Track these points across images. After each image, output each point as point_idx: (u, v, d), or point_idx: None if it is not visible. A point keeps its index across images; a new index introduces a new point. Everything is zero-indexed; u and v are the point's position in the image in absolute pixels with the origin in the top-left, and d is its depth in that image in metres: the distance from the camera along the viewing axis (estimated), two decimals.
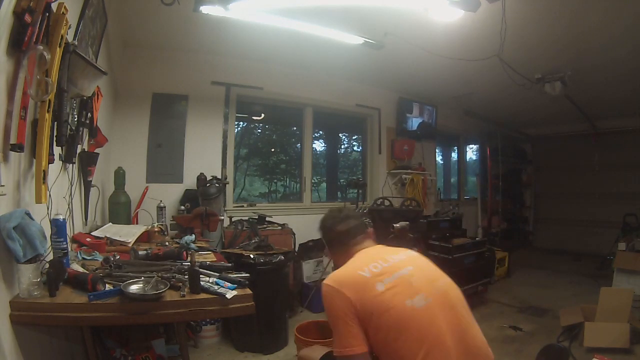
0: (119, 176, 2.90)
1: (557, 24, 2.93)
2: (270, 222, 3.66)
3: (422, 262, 1.21)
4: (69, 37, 1.46)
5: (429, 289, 1.10)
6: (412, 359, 1.00)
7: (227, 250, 2.89)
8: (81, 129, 1.93)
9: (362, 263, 1.16)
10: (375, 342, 1.05)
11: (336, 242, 1.33)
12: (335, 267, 1.32)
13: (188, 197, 3.41)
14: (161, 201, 2.95)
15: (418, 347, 1.01)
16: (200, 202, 3.22)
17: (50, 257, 1.36)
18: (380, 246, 1.28)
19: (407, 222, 2.02)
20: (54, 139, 1.38)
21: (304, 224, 3.99)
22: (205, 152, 3.74)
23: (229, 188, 3.85)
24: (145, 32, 3.21)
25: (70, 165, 1.81)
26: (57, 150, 1.49)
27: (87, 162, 2.11)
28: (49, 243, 1.33)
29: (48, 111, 1.26)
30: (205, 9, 2.52)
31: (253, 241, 3.06)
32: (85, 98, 1.86)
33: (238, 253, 2.76)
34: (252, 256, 2.68)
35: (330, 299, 1.09)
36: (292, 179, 4.80)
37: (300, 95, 4.35)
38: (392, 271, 1.11)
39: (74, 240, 1.87)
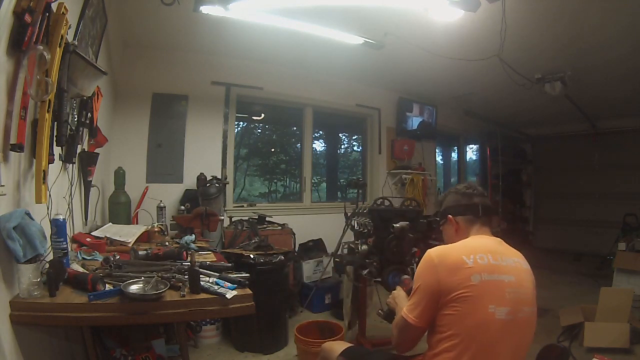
0: (119, 176, 2.90)
1: (557, 23, 2.93)
2: (270, 222, 3.66)
3: (526, 279, 1.14)
4: (69, 37, 1.46)
5: (515, 309, 1.06)
6: (456, 356, 1.04)
7: (227, 251, 2.88)
8: (81, 129, 1.92)
9: (472, 249, 1.13)
10: (438, 319, 1.10)
11: (462, 213, 1.29)
12: (445, 239, 1.34)
13: (188, 197, 3.41)
14: (161, 201, 2.95)
15: (468, 350, 1.03)
16: (200, 202, 3.22)
17: (50, 257, 1.36)
18: (498, 240, 1.23)
19: (407, 222, 2.01)
20: (54, 139, 1.38)
21: (304, 224, 4.00)
22: (205, 152, 3.74)
23: (229, 188, 3.85)
24: (145, 32, 3.21)
25: (70, 165, 1.81)
26: (57, 150, 1.49)
27: (87, 162, 2.11)
28: (49, 243, 1.33)
29: (48, 111, 1.26)
30: (205, 9, 2.52)
31: (253, 241, 3.06)
32: (85, 98, 1.86)
33: (238, 253, 2.76)
34: (252, 256, 2.68)
35: (425, 269, 1.14)
36: (292, 179, 4.80)
37: (300, 95, 4.35)
38: (494, 271, 1.08)
39: (74, 240, 1.87)
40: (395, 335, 1.22)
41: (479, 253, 1.11)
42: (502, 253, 1.15)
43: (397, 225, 1.98)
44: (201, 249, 2.18)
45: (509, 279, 1.09)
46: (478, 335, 1.03)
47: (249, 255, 2.69)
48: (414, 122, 5.26)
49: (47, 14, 1.19)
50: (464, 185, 1.36)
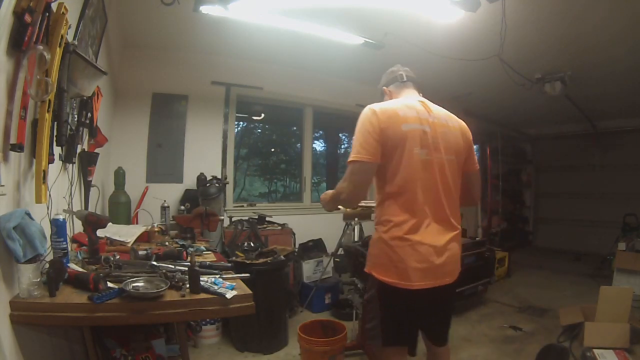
0: (119, 176, 2.90)
1: (557, 23, 2.93)
2: (270, 222, 3.66)
3: (451, 133, 1.44)
4: (69, 37, 1.46)
5: (431, 153, 1.35)
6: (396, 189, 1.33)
7: (232, 260, 2.84)
8: (81, 129, 1.92)
9: (403, 105, 1.41)
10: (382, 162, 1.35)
11: (391, 82, 1.62)
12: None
13: (188, 197, 3.41)
14: (165, 201, 2.94)
15: (400, 181, 1.33)
16: (200, 202, 3.22)
17: (50, 257, 1.36)
18: (424, 100, 1.50)
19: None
20: (54, 139, 1.38)
21: (304, 224, 4.00)
22: (205, 152, 3.74)
23: (229, 188, 3.85)
24: (145, 32, 3.20)
25: (70, 165, 1.81)
26: (57, 150, 1.49)
27: (87, 162, 2.11)
28: (49, 243, 1.33)
29: (48, 111, 1.25)
30: (205, 9, 2.52)
31: (255, 246, 3.03)
32: (85, 98, 1.86)
33: (240, 262, 2.72)
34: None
35: (367, 117, 1.36)
36: (292, 179, 4.80)
37: (300, 95, 4.34)
38: (418, 122, 1.36)
39: (74, 240, 1.87)
40: (346, 188, 1.39)
41: (409, 110, 1.38)
42: (427, 109, 1.43)
43: None
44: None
45: (427, 128, 1.37)
46: (405, 170, 1.32)
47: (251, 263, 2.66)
48: None
49: (47, 14, 1.19)
50: (396, 67, 1.66)
